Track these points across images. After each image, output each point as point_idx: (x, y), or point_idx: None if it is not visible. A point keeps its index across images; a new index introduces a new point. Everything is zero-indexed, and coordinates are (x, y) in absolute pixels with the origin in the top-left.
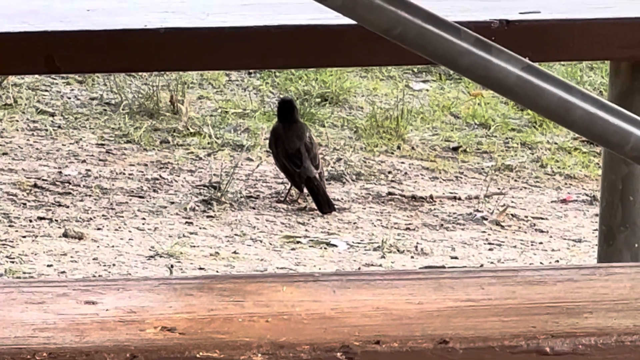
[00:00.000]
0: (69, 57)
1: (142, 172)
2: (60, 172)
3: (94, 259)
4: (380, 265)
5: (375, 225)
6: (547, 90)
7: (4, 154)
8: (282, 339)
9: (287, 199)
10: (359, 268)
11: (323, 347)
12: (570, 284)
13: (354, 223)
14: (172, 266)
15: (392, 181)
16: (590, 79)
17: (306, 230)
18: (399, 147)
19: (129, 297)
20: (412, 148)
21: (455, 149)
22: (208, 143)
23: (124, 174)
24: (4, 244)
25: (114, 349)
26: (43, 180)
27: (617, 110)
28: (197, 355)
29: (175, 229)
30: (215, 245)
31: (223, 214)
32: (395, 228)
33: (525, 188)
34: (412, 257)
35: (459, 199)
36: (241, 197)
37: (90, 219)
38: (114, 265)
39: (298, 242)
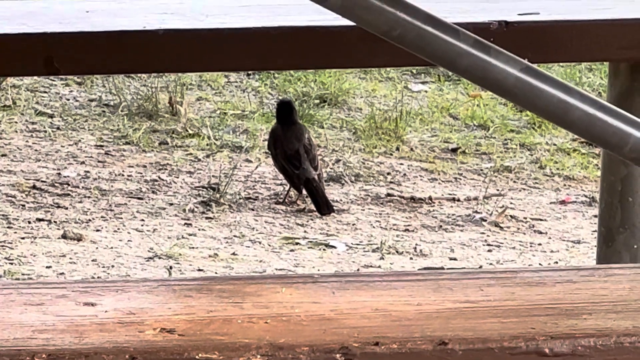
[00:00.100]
0: (68, 58)
1: (141, 173)
2: (59, 174)
3: (93, 261)
4: (379, 267)
5: (374, 227)
6: (546, 92)
7: (2, 155)
8: (281, 340)
9: (286, 200)
10: (358, 269)
11: (322, 348)
12: (569, 285)
13: (353, 224)
14: (171, 267)
15: (391, 182)
16: (589, 80)
17: (305, 231)
18: (397, 149)
19: (128, 299)
20: (411, 149)
21: (454, 150)
22: (207, 144)
23: (123, 175)
24: (2, 246)
25: (113, 350)
26: (42, 181)
27: (616, 112)
28: (197, 357)
29: (174, 231)
30: (214, 246)
31: (222, 215)
32: (394, 229)
33: (524, 189)
34: (411, 258)
35: (458, 200)
36: (240, 198)
37: (89, 220)
38: (113, 266)
39: (297, 243)
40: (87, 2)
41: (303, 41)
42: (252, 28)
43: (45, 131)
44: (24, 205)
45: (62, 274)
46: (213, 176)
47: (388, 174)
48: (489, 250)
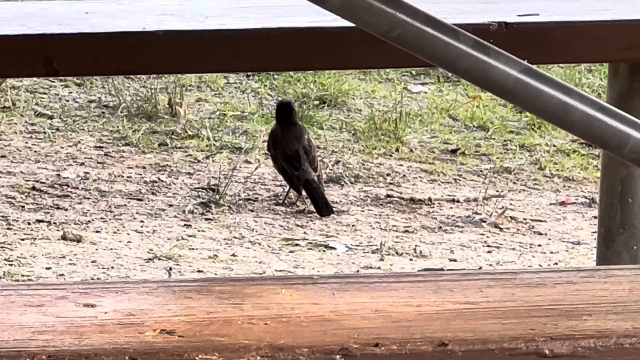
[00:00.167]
0: (67, 59)
1: (141, 174)
2: (59, 175)
3: (92, 262)
4: (379, 268)
5: (373, 228)
6: (545, 93)
7: (2, 156)
8: (281, 341)
9: (286, 201)
10: (358, 270)
11: (322, 349)
12: (569, 286)
13: (353, 225)
14: (170, 269)
15: (390, 184)
16: (588, 81)
17: (305, 232)
18: (397, 150)
19: (128, 300)
20: (411, 150)
21: (453, 152)
22: (206, 146)
23: (123, 176)
24: (2, 247)
25: (113, 351)
26: (41, 182)
27: (615, 113)
28: (196, 358)
29: (174, 232)
30: (214, 247)
31: (221, 216)
32: (393, 230)
33: (523, 190)
34: (410, 259)
35: (458, 201)
36: (240, 199)
37: (89, 221)
38: (112, 267)
39: (297, 244)
40: (87, 4)
41: (302, 42)
42: (252, 29)
43: (45, 132)
44: (23, 207)
45: (61, 275)
46: (212, 177)
47: (387, 175)
48: (489, 252)
